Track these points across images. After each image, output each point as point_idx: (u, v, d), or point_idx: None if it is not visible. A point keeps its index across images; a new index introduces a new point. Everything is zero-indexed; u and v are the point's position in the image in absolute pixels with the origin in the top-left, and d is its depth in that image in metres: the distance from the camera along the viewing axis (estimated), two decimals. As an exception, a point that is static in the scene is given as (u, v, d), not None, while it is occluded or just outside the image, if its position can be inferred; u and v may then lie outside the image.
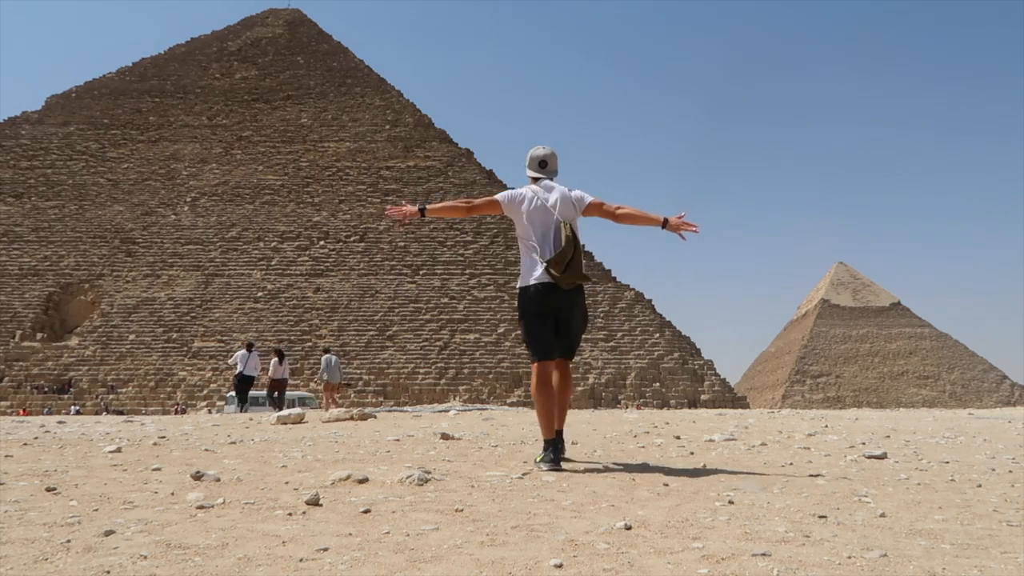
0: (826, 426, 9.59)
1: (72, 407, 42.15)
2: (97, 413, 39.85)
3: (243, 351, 21.43)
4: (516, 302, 5.45)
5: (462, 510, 3.70)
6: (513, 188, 5.72)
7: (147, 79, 67.63)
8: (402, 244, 56.12)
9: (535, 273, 5.18)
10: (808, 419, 11.65)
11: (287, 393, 26.59)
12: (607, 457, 5.90)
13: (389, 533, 3.23)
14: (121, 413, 38.67)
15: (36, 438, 7.45)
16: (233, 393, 30.10)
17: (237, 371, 21.24)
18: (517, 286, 5.40)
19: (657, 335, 53.14)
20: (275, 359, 22.26)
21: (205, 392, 46.97)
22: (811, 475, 5.02)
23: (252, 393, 24.14)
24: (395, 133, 64.05)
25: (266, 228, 56.97)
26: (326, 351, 25.03)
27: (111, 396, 46.42)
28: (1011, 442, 7.68)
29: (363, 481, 4.44)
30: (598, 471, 5.03)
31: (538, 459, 5.21)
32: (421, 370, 49.52)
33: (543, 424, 5.19)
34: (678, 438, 7.59)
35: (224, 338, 49.88)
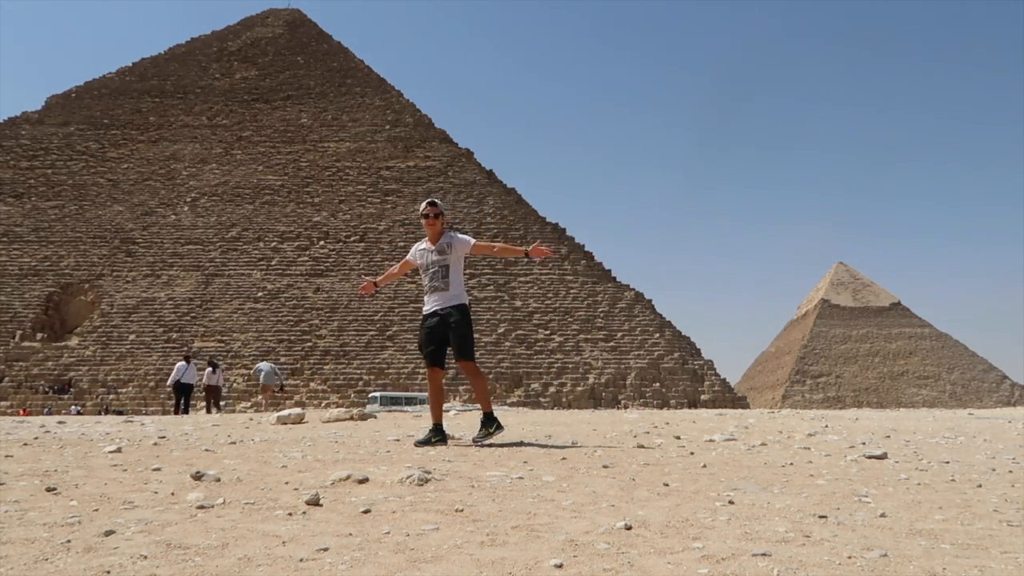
0: (826, 426, 9.60)
1: (72, 407, 42.17)
2: (98, 413, 39.86)
3: (182, 363, 23.61)
4: (466, 315, 6.87)
5: (462, 510, 3.70)
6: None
7: (147, 79, 67.60)
8: (402, 244, 56.11)
9: None
10: (808, 419, 11.66)
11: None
12: (607, 457, 5.90)
13: (389, 533, 3.23)
14: (121, 413, 38.67)
15: (36, 438, 7.46)
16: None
17: (174, 379, 23.30)
18: (466, 303, 6.93)
19: (657, 335, 53.14)
20: (209, 369, 25.21)
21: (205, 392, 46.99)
22: (811, 475, 5.03)
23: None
24: (395, 133, 64.03)
25: (266, 228, 56.96)
26: (260, 360, 28.93)
27: (111, 396, 46.42)
28: (1011, 442, 7.68)
29: (363, 481, 4.44)
30: (597, 471, 5.03)
31: (492, 430, 6.81)
32: (421, 370, 49.50)
33: (488, 405, 6.90)
34: (678, 438, 7.60)
35: (224, 338, 49.88)
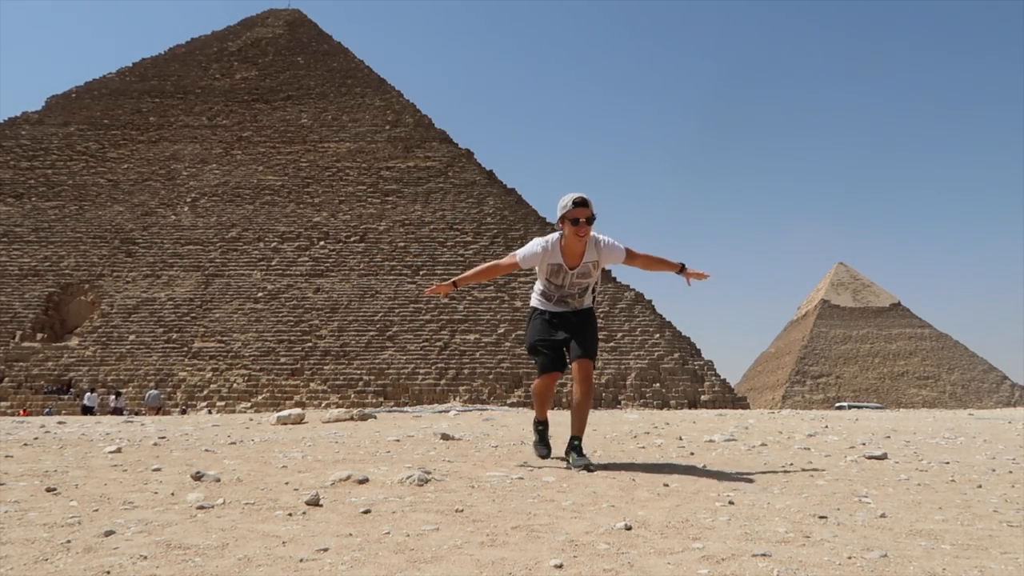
0: (826, 426, 9.60)
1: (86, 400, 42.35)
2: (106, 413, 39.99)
3: (89, 392, 33.69)
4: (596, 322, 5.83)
5: (462, 510, 3.70)
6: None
7: (147, 79, 67.58)
8: (402, 244, 56.11)
9: None
10: (808, 419, 11.65)
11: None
12: (608, 457, 5.90)
13: (389, 533, 3.23)
14: (121, 413, 38.69)
15: (36, 438, 7.46)
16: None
17: (82, 403, 32.21)
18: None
19: (657, 335, 53.11)
20: (112, 396, 34.47)
21: (205, 392, 46.98)
22: (811, 476, 5.02)
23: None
24: (395, 133, 64.01)
25: (266, 229, 56.94)
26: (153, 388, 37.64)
27: (112, 397, 46.43)
28: (1011, 443, 7.68)
29: (363, 481, 4.44)
30: (601, 472, 5.03)
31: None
32: (421, 370, 49.50)
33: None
34: (679, 439, 7.59)
35: (224, 338, 49.86)
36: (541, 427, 5.88)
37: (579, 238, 5.26)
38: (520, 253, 5.54)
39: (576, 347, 5.43)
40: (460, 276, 5.73)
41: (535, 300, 5.72)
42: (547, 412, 5.91)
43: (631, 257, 5.51)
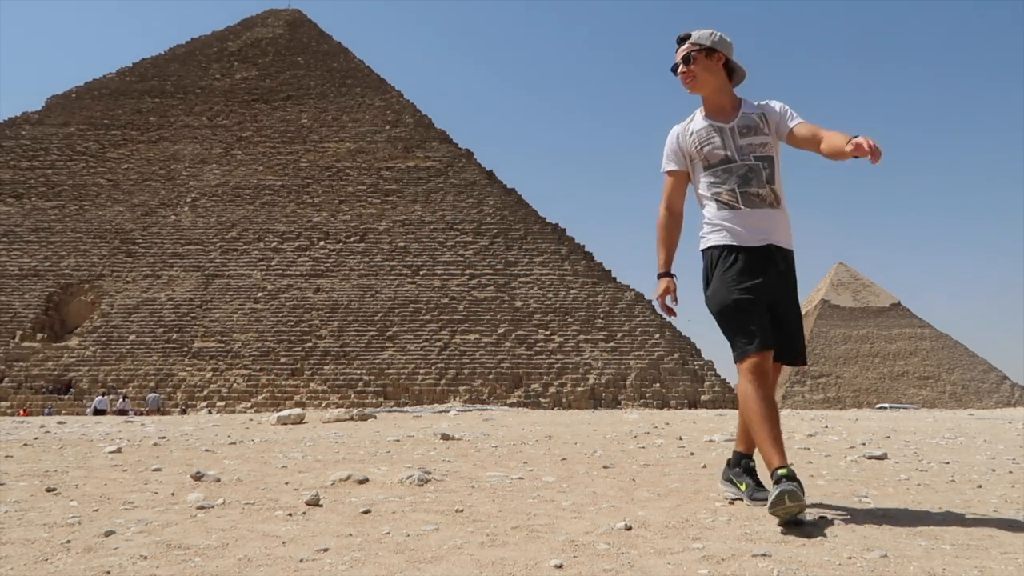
0: (826, 426, 9.60)
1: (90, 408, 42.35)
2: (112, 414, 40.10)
3: (99, 397, 36.71)
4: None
5: (462, 510, 3.70)
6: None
7: (147, 79, 67.59)
8: (402, 244, 56.10)
9: None
10: (808, 419, 11.66)
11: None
12: (607, 458, 5.89)
13: (389, 533, 3.23)
14: (126, 413, 38.73)
15: (36, 438, 7.46)
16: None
17: (93, 405, 34.90)
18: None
19: (657, 335, 53.10)
20: (120, 399, 38.08)
21: (205, 392, 46.97)
22: (811, 475, 5.02)
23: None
24: (395, 133, 64.01)
25: (266, 229, 56.94)
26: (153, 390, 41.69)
27: (111, 397, 46.44)
28: (1011, 443, 7.68)
29: (363, 481, 4.44)
30: (598, 471, 5.02)
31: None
32: (421, 370, 49.50)
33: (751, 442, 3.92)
34: (679, 439, 7.60)
35: (224, 338, 49.85)
36: (784, 471, 3.34)
37: (701, 80, 3.72)
38: (666, 159, 3.87)
39: (793, 353, 3.71)
40: (663, 262, 3.88)
41: (715, 237, 3.71)
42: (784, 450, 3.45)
43: (802, 130, 3.68)
